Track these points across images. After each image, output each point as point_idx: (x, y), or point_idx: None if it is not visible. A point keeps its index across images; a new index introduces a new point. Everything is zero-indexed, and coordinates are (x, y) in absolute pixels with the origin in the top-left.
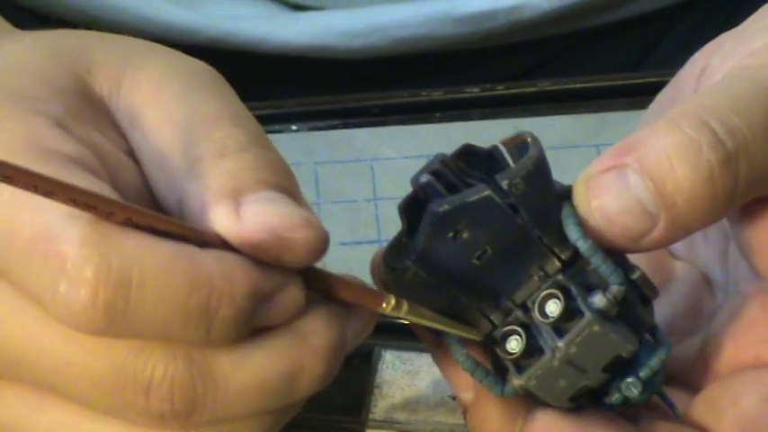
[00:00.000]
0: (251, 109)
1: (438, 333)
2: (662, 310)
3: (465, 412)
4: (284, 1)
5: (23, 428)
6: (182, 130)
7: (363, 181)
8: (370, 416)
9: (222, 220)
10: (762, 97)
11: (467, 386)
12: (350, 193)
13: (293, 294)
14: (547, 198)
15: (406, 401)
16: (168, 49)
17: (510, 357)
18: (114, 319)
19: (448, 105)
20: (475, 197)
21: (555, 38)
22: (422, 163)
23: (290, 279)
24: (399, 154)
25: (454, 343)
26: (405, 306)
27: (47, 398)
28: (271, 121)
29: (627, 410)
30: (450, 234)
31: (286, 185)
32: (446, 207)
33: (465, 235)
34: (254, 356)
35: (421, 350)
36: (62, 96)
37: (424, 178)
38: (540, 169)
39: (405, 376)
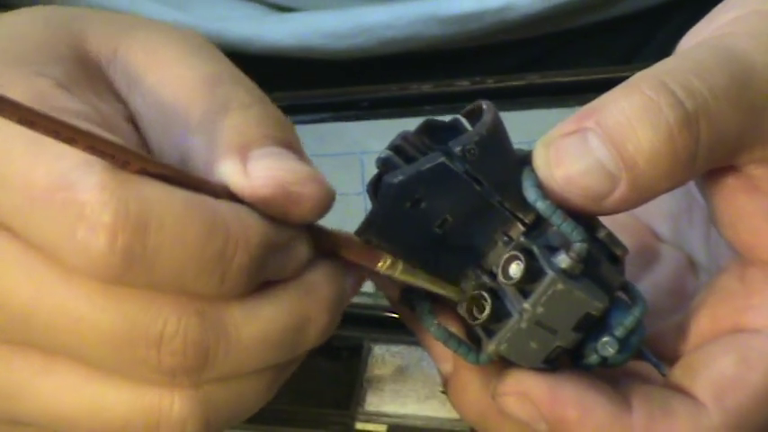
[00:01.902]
0: None
1: (412, 307)
2: (646, 290)
3: (445, 384)
4: (271, 2)
5: (29, 392)
6: (183, 89)
7: (353, 174)
8: (360, 409)
9: (231, 175)
10: (723, 62)
11: (446, 357)
12: (340, 186)
13: (301, 248)
14: (505, 163)
15: (395, 395)
16: (160, 21)
17: (478, 323)
18: (132, 264)
19: (437, 99)
20: (429, 165)
21: (542, 38)
22: None
23: (297, 233)
24: None
25: (425, 314)
26: (399, 266)
27: (54, 361)
28: None
29: (607, 372)
30: (408, 204)
31: (290, 141)
32: (401, 177)
33: (423, 204)
34: (264, 309)
35: (410, 344)
36: (61, 63)
37: (384, 154)
38: (495, 134)
39: (394, 370)
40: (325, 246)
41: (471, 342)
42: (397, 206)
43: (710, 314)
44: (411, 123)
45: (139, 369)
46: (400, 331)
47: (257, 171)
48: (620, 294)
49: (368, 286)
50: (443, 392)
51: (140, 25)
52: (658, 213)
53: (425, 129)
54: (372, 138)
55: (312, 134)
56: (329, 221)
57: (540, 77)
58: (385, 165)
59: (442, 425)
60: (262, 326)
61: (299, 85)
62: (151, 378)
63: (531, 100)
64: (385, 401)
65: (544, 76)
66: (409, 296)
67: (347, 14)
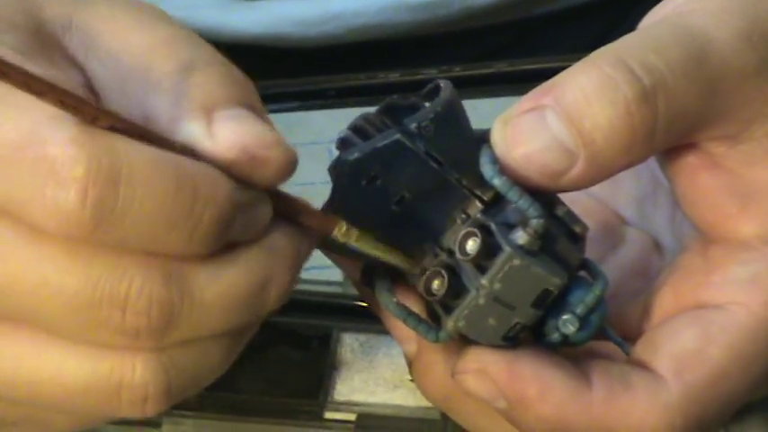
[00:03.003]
0: None
1: (372, 286)
2: (610, 272)
3: (410, 366)
4: None
5: None
6: (143, 51)
7: (320, 163)
8: (329, 398)
9: (196, 135)
10: (680, 38)
11: (409, 338)
12: (306, 176)
13: (264, 209)
14: (462, 140)
15: (364, 384)
16: None
17: (435, 299)
18: (102, 219)
19: (405, 87)
20: (384, 142)
21: (511, 24)
22: None
23: (261, 194)
24: None
25: (384, 292)
26: (354, 233)
27: (15, 329)
28: None
29: (569, 351)
30: (365, 182)
31: (253, 102)
32: (356, 155)
33: (379, 182)
34: (228, 269)
35: (379, 332)
36: (17, 31)
37: (343, 133)
38: (451, 111)
39: (363, 358)
40: (284, 210)
41: (432, 321)
42: (354, 184)
43: (673, 292)
44: None
45: (102, 332)
46: (369, 320)
47: (223, 133)
48: (582, 274)
49: (336, 275)
50: (412, 381)
51: None
52: (623, 196)
53: (386, 109)
54: (339, 127)
55: (279, 123)
56: None
57: (508, 65)
58: (343, 144)
59: (412, 413)
60: (226, 286)
61: (268, 74)
62: (114, 341)
63: (499, 88)
64: (354, 390)
65: (512, 64)
66: (369, 275)
67: (316, 2)
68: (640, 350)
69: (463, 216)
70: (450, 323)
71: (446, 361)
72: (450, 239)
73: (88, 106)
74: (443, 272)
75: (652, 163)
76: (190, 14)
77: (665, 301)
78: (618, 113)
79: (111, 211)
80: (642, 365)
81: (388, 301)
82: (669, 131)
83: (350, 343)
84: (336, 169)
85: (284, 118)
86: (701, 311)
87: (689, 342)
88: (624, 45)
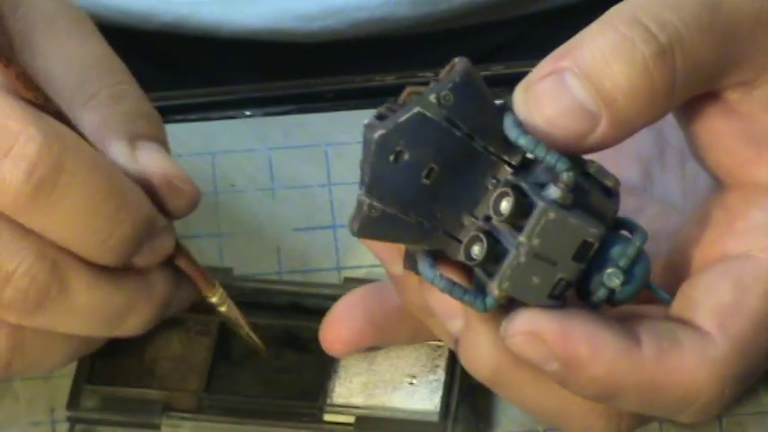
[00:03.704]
0: (204, 96)
1: (415, 269)
2: None
3: (456, 344)
4: None
5: None
6: (76, 64)
7: (318, 166)
8: (328, 401)
9: (120, 156)
10: None
11: (455, 314)
12: (304, 179)
13: (168, 242)
14: (483, 108)
15: (363, 386)
16: None
17: (475, 263)
18: (37, 199)
19: (401, 90)
20: (406, 116)
21: (513, 20)
22: None
23: (169, 227)
24: (353, 139)
25: (428, 268)
26: (227, 302)
27: None
28: (224, 106)
29: (612, 311)
30: (392, 157)
31: (166, 143)
32: (381, 131)
33: (406, 156)
34: (108, 286)
35: None
36: None
37: (368, 120)
38: (469, 81)
39: (362, 361)
40: (177, 257)
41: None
42: (382, 161)
43: (697, 245)
44: None
45: None
46: None
47: (145, 160)
48: (623, 233)
49: (335, 278)
50: (411, 384)
51: None
52: (627, 159)
53: (408, 95)
54: (336, 130)
55: (276, 126)
56: (296, 212)
57: (504, 68)
58: (369, 128)
59: (410, 416)
60: (98, 299)
61: (269, 68)
62: None
63: (496, 90)
64: (353, 393)
65: (508, 66)
66: (412, 258)
67: None
68: (679, 308)
69: (494, 182)
70: (494, 286)
71: (494, 332)
72: (485, 206)
73: (39, 91)
74: (482, 236)
75: (658, 121)
76: (193, 10)
77: (691, 256)
78: (637, 72)
79: (48, 194)
80: (684, 323)
81: (434, 275)
82: (687, 85)
83: None
84: (363, 148)
85: (281, 121)
86: (731, 263)
87: (725, 295)
88: (638, 2)
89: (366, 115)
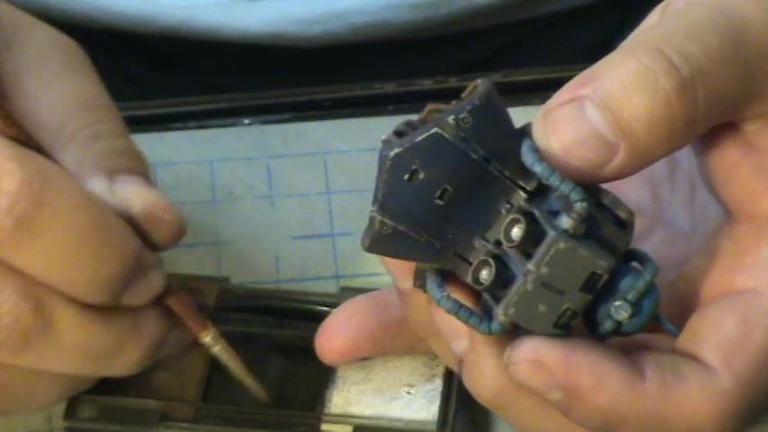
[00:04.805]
0: (203, 103)
1: (424, 287)
2: None
3: (460, 365)
4: None
5: None
6: (59, 106)
7: (316, 174)
8: (326, 410)
9: (99, 191)
10: (717, 22)
11: (460, 335)
12: (303, 187)
13: (158, 278)
14: (502, 132)
15: (361, 396)
16: (46, 24)
17: (483, 287)
18: (19, 234)
19: (400, 98)
20: (423, 135)
21: (513, 24)
22: (375, 156)
23: (158, 263)
24: (352, 147)
25: (435, 288)
26: (221, 342)
27: None
28: (223, 114)
29: (617, 342)
30: (407, 176)
31: (147, 175)
32: (397, 150)
33: (421, 176)
34: (95, 325)
35: None
36: None
37: (385, 136)
38: (489, 103)
39: (359, 371)
40: (168, 297)
41: (475, 311)
42: (396, 179)
43: (705, 278)
44: (374, 123)
45: None
46: None
47: (123, 193)
48: (634, 264)
49: (333, 287)
50: (409, 393)
51: (35, 23)
52: (637, 180)
53: (428, 113)
54: (335, 138)
55: (275, 134)
56: (295, 221)
57: (503, 76)
58: (386, 145)
59: (408, 425)
60: (85, 338)
61: (268, 73)
62: None
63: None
64: (351, 402)
65: (507, 74)
66: (422, 277)
67: (317, 0)
68: (685, 341)
69: (508, 206)
70: (500, 311)
71: (498, 355)
72: (497, 231)
73: (21, 128)
74: (491, 260)
75: None
76: (192, 14)
77: (699, 288)
78: (657, 104)
79: (29, 230)
80: (689, 356)
81: (440, 295)
82: (708, 117)
83: None
84: (378, 165)
85: (280, 129)
86: (738, 297)
87: (731, 329)
88: (660, 32)
89: (365, 124)
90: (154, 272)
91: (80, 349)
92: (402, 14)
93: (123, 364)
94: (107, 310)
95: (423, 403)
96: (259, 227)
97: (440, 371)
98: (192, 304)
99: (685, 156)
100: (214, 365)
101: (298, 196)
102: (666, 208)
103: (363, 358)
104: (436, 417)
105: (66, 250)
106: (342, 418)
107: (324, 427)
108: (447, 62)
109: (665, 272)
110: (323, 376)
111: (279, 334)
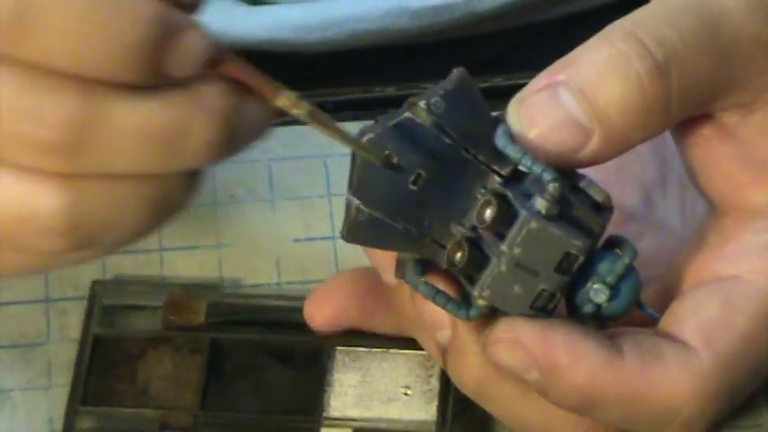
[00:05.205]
0: None
1: (403, 276)
2: None
3: (444, 355)
4: None
5: None
6: None
7: (317, 177)
8: (324, 414)
9: None
10: (693, 8)
11: (443, 325)
12: (303, 190)
13: (198, 37)
14: (476, 118)
15: (359, 398)
16: None
17: (457, 269)
18: (19, 21)
19: (401, 101)
20: (395, 120)
21: (514, 29)
22: None
23: (192, 21)
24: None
25: (414, 275)
26: (305, 106)
27: None
28: None
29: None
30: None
31: None
32: (369, 135)
33: (394, 160)
34: (148, 103)
35: (371, 346)
36: None
37: (363, 125)
38: (462, 89)
39: (356, 373)
40: (227, 70)
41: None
42: (370, 164)
43: (690, 268)
44: None
45: (15, 149)
46: (362, 335)
47: None
48: (616, 251)
49: None
50: (406, 394)
51: None
52: (630, 183)
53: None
54: (336, 141)
55: (276, 137)
56: (296, 224)
57: (504, 80)
58: (360, 132)
59: (407, 427)
60: (143, 119)
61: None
62: (25, 158)
63: (495, 101)
64: (349, 405)
65: (508, 78)
66: (403, 267)
67: (317, 7)
68: (666, 323)
69: (483, 191)
70: (476, 293)
71: (480, 344)
72: (473, 217)
73: None
74: (464, 243)
75: (661, 147)
76: None
77: (683, 277)
78: (631, 89)
79: (28, 9)
80: (671, 337)
81: (417, 282)
82: (683, 104)
83: (343, 358)
84: (353, 153)
85: (281, 132)
86: (721, 282)
87: (714, 311)
88: (636, 18)
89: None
90: (190, 31)
91: (141, 132)
92: (403, 22)
93: (196, 146)
94: (160, 88)
95: (421, 403)
96: (260, 229)
97: (435, 371)
98: (254, 68)
99: (677, 159)
100: (211, 372)
101: (299, 199)
102: (658, 210)
103: (351, 331)
104: (435, 416)
105: (76, 22)
106: (341, 422)
107: (323, 430)
108: (448, 66)
109: (655, 270)
110: (320, 380)
111: (275, 339)
